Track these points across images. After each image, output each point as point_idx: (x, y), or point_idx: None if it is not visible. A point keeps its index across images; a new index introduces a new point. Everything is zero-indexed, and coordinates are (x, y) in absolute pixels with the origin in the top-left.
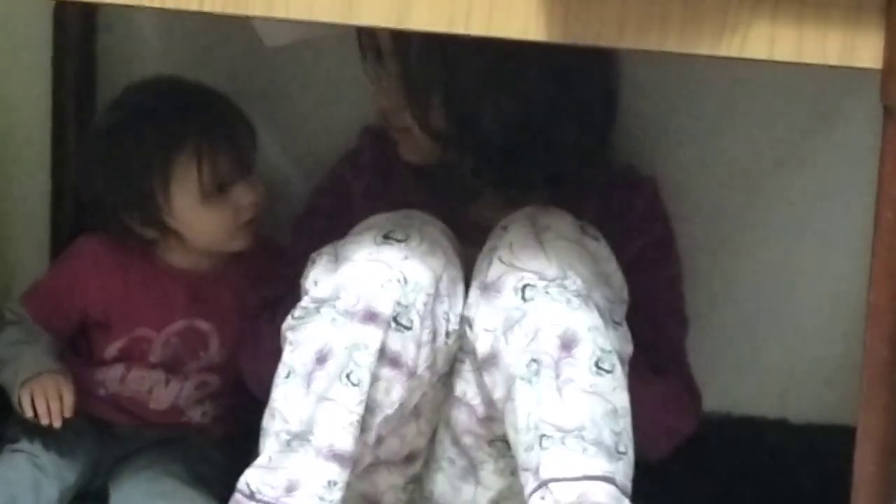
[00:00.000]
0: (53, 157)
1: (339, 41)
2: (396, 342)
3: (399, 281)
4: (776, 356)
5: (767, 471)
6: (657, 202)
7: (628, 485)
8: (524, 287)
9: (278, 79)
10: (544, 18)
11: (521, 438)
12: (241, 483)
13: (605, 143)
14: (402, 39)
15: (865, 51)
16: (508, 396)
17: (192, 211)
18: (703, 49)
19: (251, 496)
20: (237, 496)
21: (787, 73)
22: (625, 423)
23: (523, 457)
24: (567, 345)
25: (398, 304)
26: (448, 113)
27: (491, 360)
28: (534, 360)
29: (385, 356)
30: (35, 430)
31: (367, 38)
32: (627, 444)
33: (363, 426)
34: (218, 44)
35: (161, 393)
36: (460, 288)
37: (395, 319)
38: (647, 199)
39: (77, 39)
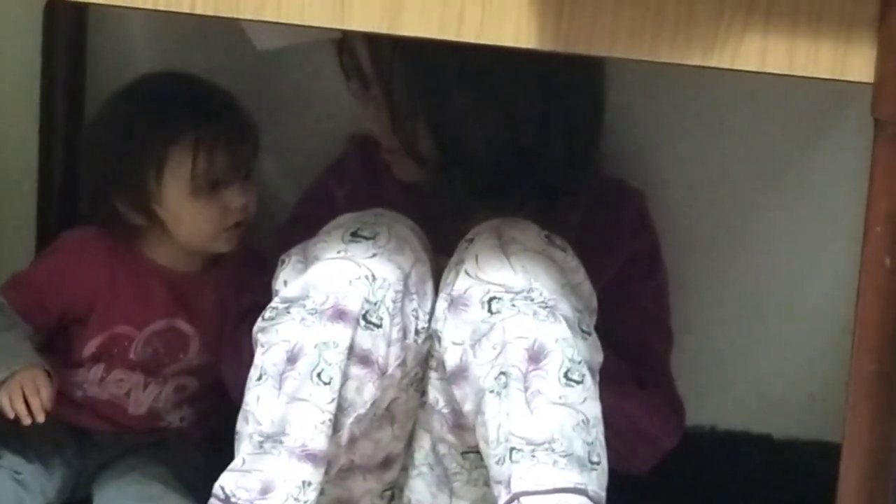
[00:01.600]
0: (41, 155)
1: (332, 46)
2: (366, 340)
3: (367, 278)
4: (761, 371)
5: (751, 486)
6: (644, 215)
7: (602, 494)
8: (490, 300)
9: (270, 84)
10: (536, 26)
11: (492, 451)
12: (216, 487)
13: (592, 155)
14: (386, 67)
15: (857, 64)
16: (478, 410)
17: (181, 203)
18: (695, 60)
19: (226, 500)
20: (213, 501)
21: (779, 87)
22: (597, 433)
23: (495, 469)
24: (535, 357)
25: (367, 301)
26: (435, 138)
27: (460, 374)
28: (502, 373)
29: (355, 354)
30: (15, 445)
31: (349, 61)
32: (601, 454)
33: (335, 426)
34: (209, 46)
35: (139, 396)
36: (429, 286)
37: (364, 317)
38: (634, 212)
39: (67, 37)
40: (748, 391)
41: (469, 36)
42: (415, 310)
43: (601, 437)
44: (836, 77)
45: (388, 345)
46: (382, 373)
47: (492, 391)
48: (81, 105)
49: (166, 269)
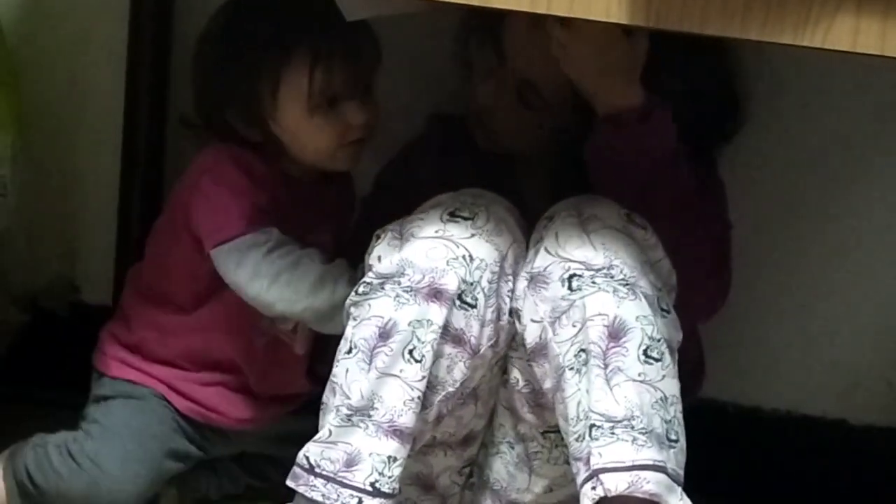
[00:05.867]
0: (127, 94)
1: (418, 19)
2: (460, 320)
3: (465, 258)
4: (838, 356)
5: (825, 471)
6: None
7: (680, 473)
8: (571, 277)
9: None
10: (627, 1)
11: (571, 428)
12: (301, 457)
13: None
14: None
15: None
16: (558, 387)
17: (298, 121)
18: (786, 38)
19: (310, 470)
20: (296, 470)
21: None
22: (675, 412)
23: (574, 446)
24: (615, 334)
25: (463, 281)
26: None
27: (540, 351)
28: (582, 351)
29: (448, 333)
30: None
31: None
32: (679, 433)
33: (424, 403)
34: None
35: None
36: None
37: (459, 297)
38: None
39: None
40: (825, 376)
41: (560, 10)
42: (510, 290)
43: (679, 416)
44: None
45: (482, 325)
46: (474, 353)
47: (571, 368)
48: (168, 44)
49: (295, 179)
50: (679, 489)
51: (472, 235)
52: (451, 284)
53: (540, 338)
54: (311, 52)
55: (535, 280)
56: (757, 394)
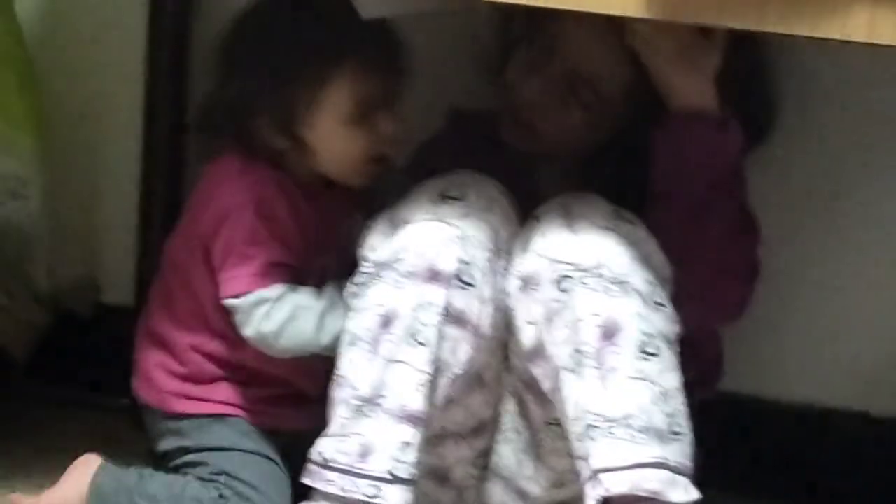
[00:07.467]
0: (146, 135)
1: (436, 18)
2: (460, 300)
3: (459, 238)
4: (861, 349)
5: (848, 463)
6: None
7: (687, 464)
8: (560, 279)
9: None
10: None
11: (571, 428)
12: (314, 454)
13: None
14: None
15: None
16: (556, 387)
17: (336, 128)
18: (803, 30)
19: (325, 465)
20: (311, 467)
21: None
22: (677, 404)
23: (576, 445)
24: (608, 333)
25: (460, 260)
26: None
27: (538, 353)
28: (577, 351)
29: (450, 314)
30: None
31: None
32: (683, 424)
33: (432, 386)
34: None
35: None
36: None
37: (457, 277)
38: None
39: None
40: (847, 369)
41: (572, 3)
42: (505, 268)
43: (682, 407)
44: None
45: (482, 303)
46: (476, 332)
47: (567, 369)
48: (188, 46)
49: (313, 186)
50: (685, 481)
51: (465, 215)
52: (448, 265)
53: (536, 340)
54: (358, 62)
55: (527, 283)
56: (778, 387)
